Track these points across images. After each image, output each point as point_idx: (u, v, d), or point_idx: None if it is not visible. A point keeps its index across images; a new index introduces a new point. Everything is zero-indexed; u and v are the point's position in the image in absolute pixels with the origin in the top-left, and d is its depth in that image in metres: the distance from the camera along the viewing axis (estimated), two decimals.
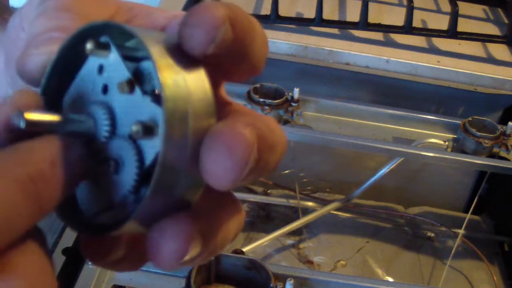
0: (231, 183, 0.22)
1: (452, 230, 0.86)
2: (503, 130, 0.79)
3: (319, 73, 0.89)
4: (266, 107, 0.78)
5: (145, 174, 0.23)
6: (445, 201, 0.94)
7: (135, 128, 0.22)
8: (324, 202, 0.87)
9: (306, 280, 0.61)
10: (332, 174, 0.93)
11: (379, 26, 0.86)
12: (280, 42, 0.83)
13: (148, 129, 0.22)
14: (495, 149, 0.77)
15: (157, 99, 0.23)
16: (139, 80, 0.24)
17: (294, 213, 0.87)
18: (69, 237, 0.65)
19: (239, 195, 0.88)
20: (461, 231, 0.82)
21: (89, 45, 0.24)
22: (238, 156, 0.21)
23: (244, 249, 0.67)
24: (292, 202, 0.87)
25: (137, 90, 0.23)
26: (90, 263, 0.61)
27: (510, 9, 0.93)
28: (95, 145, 0.24)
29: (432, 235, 0.88)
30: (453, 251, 0.79)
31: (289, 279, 0.58)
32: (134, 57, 0.24)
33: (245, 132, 0.22)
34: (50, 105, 0.25)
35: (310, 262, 0.81)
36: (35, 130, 0.23)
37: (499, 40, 0.87)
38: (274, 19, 0.84)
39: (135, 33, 0.23)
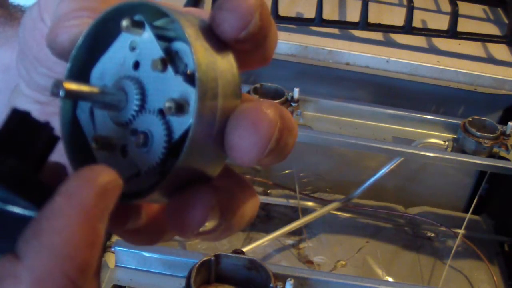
0: (254, 158, 0.23)
1: (452, 230, 0.86)
2: (503, 130, 0.79)
3: (319, 73, 0.89)
4: None
5: (172, 148, 0.25)
6: (445, 201, 0.94)
7: (168, 104, 0.23)
8: (324, 202, 0.87)
9: (306, 280, 0.61)
10: (332, 174, 0.93)
11: (379, 26, 0.86)
12: (280, 42, 0.83)
13: (180, 107, 0.24)
14: (495, 149, 0.77)
15: (189, 79, 0.24)
16: (170, 59, 0.25)
17: (294, 213, 0.87)
18: None
19: None
20: (461, 231, 0.82)
21: (125, 22, 0.25)
22: (263, 132, 0.23)
23: (244, 249, 0.67)
24: (292, 202, 0.87)
25: (169, 69, 0.24)
26: None
27: (510, 9, 0.93)
28: (123, 117, 0.25)
29: (432, 235, 0.88)
30: (453, 251, 0.79)
31: (289, 279, 0.58)
32: (163, 36, 0.25)
33: (268, 111, 0.24)
34: (78, 77, 0.27)
35: (310, 262, 0.81)
36: (72, 99, 0.25)
37: (499, 40, 0.87)
38: (274, 19, 0.84)
39: (171, 15, 0.24)
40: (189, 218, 0.24)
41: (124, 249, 0.62)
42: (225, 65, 0.25)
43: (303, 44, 0.83)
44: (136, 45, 0.26)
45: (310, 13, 0.85)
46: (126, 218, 0.26)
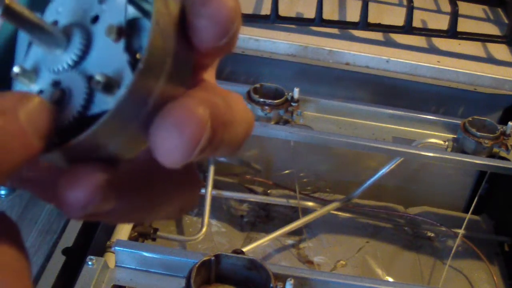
0: (180, 161, 0.21)
1: (452, 230, 0.86)
2: (503, 130, 0.79)
3: (319, 73, 0.89)
4: (266, 107, 0.78)
5: (81, 120, 0.22)
6: (445, 201, 0.94)
7: (98, 77, 0.21)
8: (324, 202, 0.87)
9: (306, 280, 0.61)
10: (332, 174, 0.93)
11: (379, 26, 0.86)
12: (280, 42, 0.83)
13: (108, 87, 0.21)
14: (495, 149, 0.77)
15: (135, 64, 0.21)
16: (130, 32, 0.22)
17: (294, 213, 0.87)
18: (69, 237, 0.65)
19: (239, 195, 0.88)
20: (461, 231, 0.82)
21: None
22: (189, 135, 0.20)
23: (244, 249, 0.67)
24: (292, 202, 0.87)
25: (122, 43, 0.22)
26: (89, 262, 0.61)
27: (510, 9, 0.93)
28: (53, 63, 0.23)
29: (432, 235, 0.88)
30: (453, 251, 0.79)
31: (289, 279, 0.58)
32: (139, 6, 0.22)
33: (197, 110, 0.21)
34: (31, 5, 0.24)
35: (310, 262, 0.81)
36: (9, 20, 0.22)
37: (499, 40, 0.87)
38: (274, 19, 0.84)
39: None
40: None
41: (124, 249, 0.62)
42: (181, 69, 0.22)
43: (303, 44, 0.83)
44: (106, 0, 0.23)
45: (310, 13, 0.85)
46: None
